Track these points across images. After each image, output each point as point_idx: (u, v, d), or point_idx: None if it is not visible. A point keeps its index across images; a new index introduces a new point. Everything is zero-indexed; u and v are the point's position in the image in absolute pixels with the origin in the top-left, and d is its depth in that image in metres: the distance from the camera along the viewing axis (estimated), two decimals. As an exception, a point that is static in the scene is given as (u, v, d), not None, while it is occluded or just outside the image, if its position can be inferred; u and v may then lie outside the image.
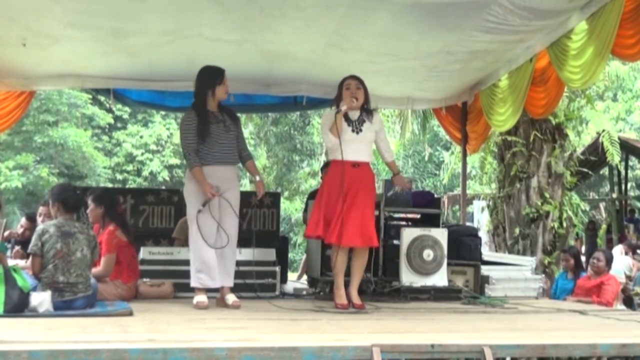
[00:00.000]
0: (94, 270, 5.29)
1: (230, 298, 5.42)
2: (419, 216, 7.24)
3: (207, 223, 5.36)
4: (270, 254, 6.54)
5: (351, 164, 5.44)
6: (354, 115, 5.57)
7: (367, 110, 5.63)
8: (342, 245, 5.35)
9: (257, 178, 5.74)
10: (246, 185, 20.45)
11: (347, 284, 5.51)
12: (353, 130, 5.49)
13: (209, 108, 5.51)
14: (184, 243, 6.62)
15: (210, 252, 5.36)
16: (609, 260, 7.41)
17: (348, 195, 5.36)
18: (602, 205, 23.03)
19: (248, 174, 5.83)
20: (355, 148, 5.46)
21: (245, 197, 6.63)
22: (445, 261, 6.31)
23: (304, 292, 6.82)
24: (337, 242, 5.32)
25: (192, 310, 5.15)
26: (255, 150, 24.59)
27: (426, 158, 23.12)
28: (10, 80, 7.72)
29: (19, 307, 4.44)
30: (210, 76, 5.52)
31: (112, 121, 24.13)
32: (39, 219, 6.71)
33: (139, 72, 7.68)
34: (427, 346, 3.44)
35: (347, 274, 5.54)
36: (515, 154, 9.47)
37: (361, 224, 5.36)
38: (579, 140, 12.69)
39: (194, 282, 5.41)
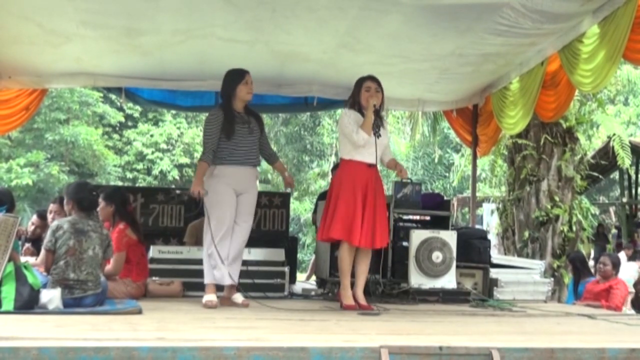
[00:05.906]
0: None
1: (239, 297, 5.46)
2: (428, 218, 7.25)
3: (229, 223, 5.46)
4: (279, 254, 6.55)
5: (367, 165, 5.50)
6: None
7: (379, 115, 5.66)
8: (366, 248, 5.43)
9: (287, 174, 5.97)
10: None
11: (352, 285, 5.54)
12: (374, 134, 5.52)
13: (235, 108, 5.61)
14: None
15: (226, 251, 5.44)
16: (616, 264, 7.39)
17: (367, 196, 5.43)
18: (612, 209, 22.95)
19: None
20: (373, 151, 5.49)
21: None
22: (454, 263, 6.30)
23: (313, 293, 6.83)
24: (360, 244, 5.38)
25: (201, 309, 5.17)
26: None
27: (436, 160, 23.05)
28: (22, 78, 7.76)
29: (29, 304, 4.46)
30: (233, 77, 5.63)
31: (122, 120, 24.19)
32: (50, 217, 6.74)
33: (151, 71, 7.70)
34: (435, 348, 3.44)
35: (352, 274, 5.57)
36: (525, 157, 9.45)
37: (381, 225, 5.47)
38: (589, 144, 12.66)
39: (210, 280, 5.45)
